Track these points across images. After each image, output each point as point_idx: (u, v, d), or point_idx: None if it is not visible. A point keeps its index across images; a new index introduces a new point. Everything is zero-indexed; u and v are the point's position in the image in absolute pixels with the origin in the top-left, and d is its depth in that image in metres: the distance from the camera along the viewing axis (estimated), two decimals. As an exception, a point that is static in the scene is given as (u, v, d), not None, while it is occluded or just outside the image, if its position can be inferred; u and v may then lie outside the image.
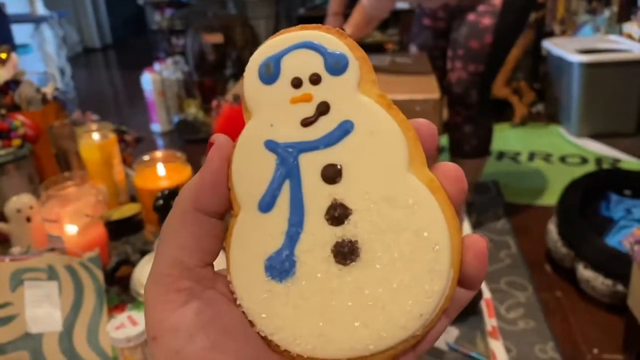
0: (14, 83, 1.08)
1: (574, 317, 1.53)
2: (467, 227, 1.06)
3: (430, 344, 0.24)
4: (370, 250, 0.22)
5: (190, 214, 0.23)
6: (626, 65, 2.57)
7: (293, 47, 0.23)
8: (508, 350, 1.37)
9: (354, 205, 0.22)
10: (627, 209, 1.71)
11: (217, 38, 3.08)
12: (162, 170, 0.97)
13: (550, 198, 1.98)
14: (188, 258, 0.23)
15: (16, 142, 0.96)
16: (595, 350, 1.41)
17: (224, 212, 0.24)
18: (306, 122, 0.23)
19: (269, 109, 0.23)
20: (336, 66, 0.23)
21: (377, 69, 0.27)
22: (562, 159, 2.52)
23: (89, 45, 5.72)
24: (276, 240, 0.23)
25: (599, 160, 2.48)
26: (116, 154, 1.02)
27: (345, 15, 1.77)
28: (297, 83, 0.23)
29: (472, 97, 1.74)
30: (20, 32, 4.10)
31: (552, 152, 2.59)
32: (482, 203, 2.13)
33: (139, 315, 0.71)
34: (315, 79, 0.23)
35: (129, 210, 0.91)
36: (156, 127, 3.08)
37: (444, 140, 2.03)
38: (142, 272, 0.76)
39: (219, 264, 0.24)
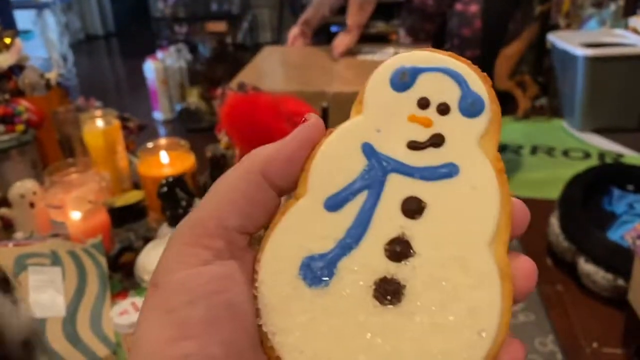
0: (18, 68, 1.07)
1: (574, 311, 1.54)
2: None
3: None
4: (414, 302, 0.20)
5: (254, 175, 0.21)
6: (631, 60, 2.55)
7: (436, 68, 0.22)
8: (508, 342, 1.37)
9: (419, 250, 0.21)
10: (630, 203, 1.71)
11: (220, 27, 3.07)
12: (165, 158, 0.97)
13: (552, 192, 1.97)
14: (231, 217, 0.21)
15: (20, 127, 0.96)
16: (595, 344, 1.41)
17: (286, 190, 0.22)
18: (414, 146, 0.22)
19: (384, 113, 0.22)
20: (471, 107, 0.22)
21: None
22: (565, 153, 2.51)
23: (91, 33, 5.69)
24: (326, 243, 0.21)
25: (601, 155, 2.47)
26: (120, 140, 1.02)
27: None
28: (424, 104, 0.22)
29: None
30: (23, 18, 4.08)
31: (555, 146, 2.59)
32: (484, 196, 2.13)
33: (142, 302, 0.71)
34: (443, 109, 0.22)
35: (132, 197, 0.91)
36: (158, 115, 3.07)
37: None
38: (146, 258, 0.76)
39: None
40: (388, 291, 0.20)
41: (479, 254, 0.21)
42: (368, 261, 0.21)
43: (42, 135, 1.03)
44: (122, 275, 0.84)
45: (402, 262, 0.21)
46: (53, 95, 1.11)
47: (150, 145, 1.00)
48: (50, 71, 1.15)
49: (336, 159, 0.22)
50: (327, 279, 0.21)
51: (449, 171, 0.21)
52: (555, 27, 3.09)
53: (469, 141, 0.21)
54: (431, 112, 0.22)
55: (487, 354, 0.20)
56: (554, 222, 1.71)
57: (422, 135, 0.22)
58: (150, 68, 2.97)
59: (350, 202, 0.21)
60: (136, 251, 0.84)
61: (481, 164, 0.21)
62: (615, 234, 1.60)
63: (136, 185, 1.06)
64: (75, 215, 0.86)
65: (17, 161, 0.97)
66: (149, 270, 0.74)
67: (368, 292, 0.21)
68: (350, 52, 1.73)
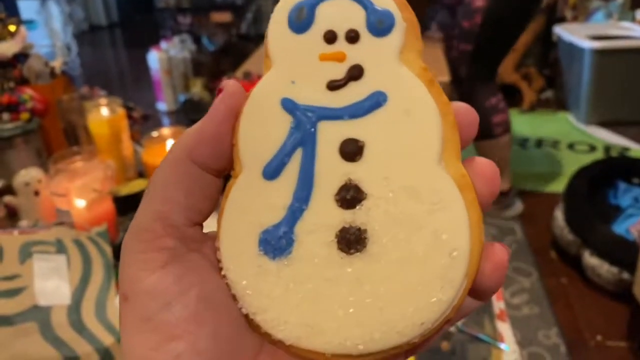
0: (22, 56, 1.07)
1: (579, 304, 1.53)
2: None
3: (425, 349, 0.22)
4: (379, 243, 0.20)
5: (183, 164, 0.20)
6: (638, 53, 2.54)
7: None
8: (512, 334, 1.37)
9: (369, 190, 0.20)
10: (635, 197, 1.70)
11: (225, 17, 3.05)
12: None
13: (558, 185, 1.97)
14: (175, 214, 0.20)
15: (24, 115, 0.96)
16: (599, 337, 1.41)
17: (222, 170, 0.21)
18: (333, 86, 0.20)
19: (293, 62, 0.20)
20: (379, 25, 0.20)
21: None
22: (570, 146, 2.50)
23: (95, 23, 5.68)
24: (276, 213, 0.20)
25: (607, 148, 2.46)
26: (125, 129, 1.02)
27: None
28: (330, 37, 0.20)
29: (461, 73, 1.78)
30: (27, 8, 4.08)
31: (560, 139, 2.58)
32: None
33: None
34: (352, 37, 0.20)
35: (137, 186, 0.91)
36: (162, 105, 3.07)
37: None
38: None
39: (209, 225, 0.22)
40: (350, 240, 0.20)
41: (430, 175, 0.20)
42: (323, 217, 0.20)
43: (47, 124, 1.03)
44: (127, 264, 0.84)
45: (357, 208, 0.20)
46: (57, 83, 1.10)
47: (155, 134, 0.99)
48: (54, 60, 1.15)
49: (260, 125, 0.20)
50: (288, 247, 0.20)
51: (376, 101, 0.20)
52: (561, 20, 3.07)
53: (389, 62, 0.20)
54: (341, 44, 0.20)
55: (465, 271, 0.19)
56: (559, 215, 1.71)
57: (339, 71, 0.20)
58: (154, 58, 2.96)
59: (288, 165, 0.20)
60: (141, 240, 0.84)
61: (408, 83, 0.20)
62: (620, 228, 1.59)
63: (141, 175, 1.06)
64: (80, 203, 0.86)
65: (21, 149, 0.97)
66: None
67: (332, 247, 0.20)
68: None
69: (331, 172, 0.20)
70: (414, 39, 0.20)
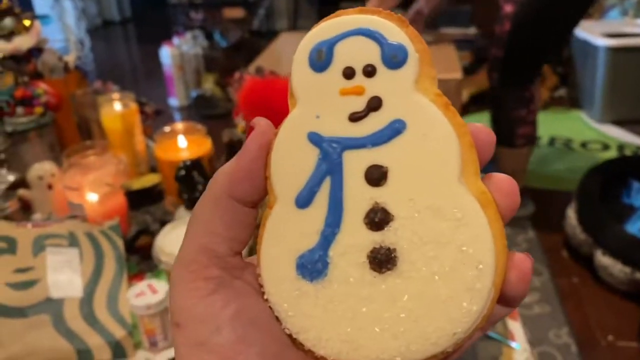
0: (36, 51, 1.08)
1: (590, 304, 1.52)
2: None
3: (459, 356, 0.23)
4: (408, 261, 0.21)
5: (223, 201, 0.22)
6: (654, 51, 2.50)
7: (349, 32, 0.22)
8: (522, 333, 1.36)
9: (396, 212, 0.21)
10: (649, 196, 1.69)
11: (238, 13, 3.05)
12: (183, 142, 0.97)
13: (570, 184, 1.95)
14: (218, 246, 0.22)
15: (38, 109, 0.97)
16: (610, 337, 1.40)
17: (258, 201, 0.23)
18: (355, 117, 0.22)
19: (316, 98, 0.22)
20: (394, 59, 0.21)
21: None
22: (584, 145, 2.48)
23: (108, 18, 5.71)
24: (310, 239, 0.22)
25: (621, 147, 2.43)
26: (137, 123, 1.02)
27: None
28: (349, 73, 0.22)
29: (493, 79, 1.73)
30: (41, 3, 4.11)
31: (574, 137, 2.55)
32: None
33: (159, 284, 0.72)
34: (369, 71, 0.22)
35: (149, 180, 0.91)
36: (174, 101, 3.08)
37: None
38: (163, 241, 0.76)
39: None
40: (381, 260, 0.21)
41: (452, 193, 0.21)
42: (354, 239, 0.22)
43: (61, 118, 1.04)
44: (138, 257, 0.85)
45: (385, 229, 0.21)
46: (71, 78, 1.11)
47: (167, 129, 1.00)
48: (68, 54, 1.16)
49: (290, 158, 0.22)
50: (324, 270, 0.22)
51: (396, 128, 0.21)
52: (576, 17, 3.03)
53: (405, 91, 0.22)
54: (359, 79, 0.22)
55: (492, 282, 0.21)
56: (571, 214, 1.69)
57: (359, 104, 0.22)
58: (167, 54, 2.97)
59: (319, 193, 0.22)
60: (153, 234, 0.84)
61: (424, 109, 0.21)
62: (633, 227, 1.57)
63: (153, 170, 1.06)
64: (93, 197, 0.87)
65: (35, 143, 0.98)
66: (166, 252, 0.74)
67: (364, 267, 0.21)
68: None
69: (359, 197, 0.22)
70: (427, 67, 0.22)
